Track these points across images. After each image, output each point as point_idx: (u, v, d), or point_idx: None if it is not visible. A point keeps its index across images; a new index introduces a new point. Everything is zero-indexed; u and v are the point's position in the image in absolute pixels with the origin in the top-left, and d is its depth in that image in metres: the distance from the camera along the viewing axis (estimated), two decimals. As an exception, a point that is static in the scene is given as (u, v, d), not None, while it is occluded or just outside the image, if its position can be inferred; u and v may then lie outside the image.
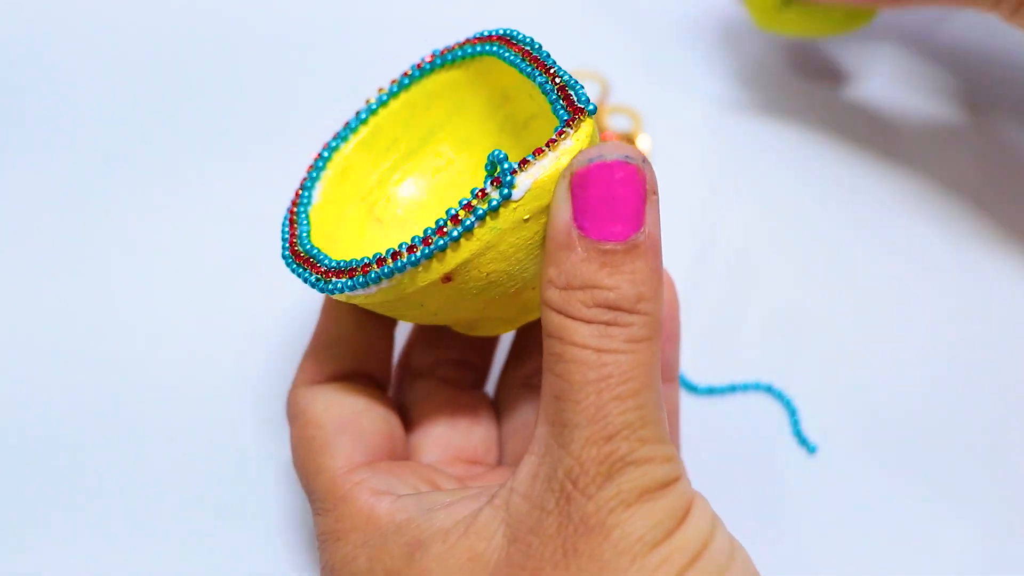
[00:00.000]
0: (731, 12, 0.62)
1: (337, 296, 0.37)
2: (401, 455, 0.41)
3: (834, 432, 0.48)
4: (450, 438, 0.42)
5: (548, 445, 0.33)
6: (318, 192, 0.41)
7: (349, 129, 0.42)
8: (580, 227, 0.33)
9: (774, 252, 0.54)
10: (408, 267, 0.35)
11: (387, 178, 0.43)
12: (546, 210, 0.35)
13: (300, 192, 0.41)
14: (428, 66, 0.42)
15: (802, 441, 0.48)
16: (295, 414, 0.40)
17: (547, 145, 0.35)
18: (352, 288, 0.36)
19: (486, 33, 0.40)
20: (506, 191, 0.34)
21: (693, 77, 0.60)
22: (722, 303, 0.52)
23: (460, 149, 0.44)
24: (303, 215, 0.40)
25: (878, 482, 0.47)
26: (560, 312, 0.33)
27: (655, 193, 0.34)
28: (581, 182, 0.33)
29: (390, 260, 0.35)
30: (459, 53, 0.41)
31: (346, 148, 0.42)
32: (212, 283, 0.53)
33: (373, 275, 0.36)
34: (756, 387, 0.50)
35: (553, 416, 0.33)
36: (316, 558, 0.44)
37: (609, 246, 0.33)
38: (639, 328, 0.33)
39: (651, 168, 0.34)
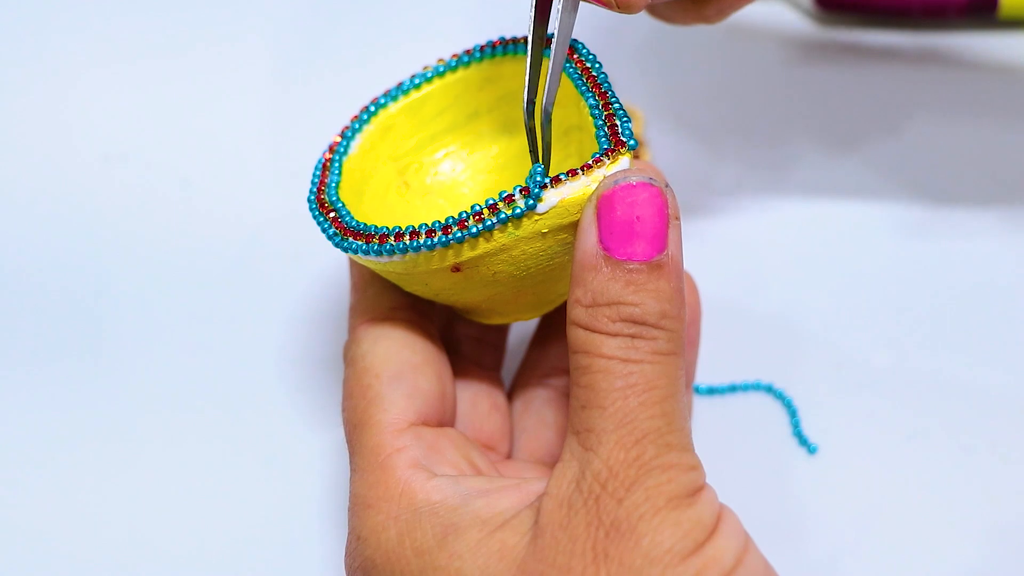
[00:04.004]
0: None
1: (349, 255, 0.39)
2: (450, 415, 0.41)
3: (834, 432, 0.48)
4: (471, 419, 0.42)
5: (574, 451, 0.34)
6: (356, 144, 0.42)
7: (400, 90, 0.43)
8: (606, 248, 0.34)
9: (774, 251, 0.54)
10: (423, 249, 0.36)
11: (424, 146, 0.44)
12: (566, 228, 0.36)
13: (339, 140, 0.42)
14: (491, 50, 0.42)
15: (802, 441, 0.48)
16: (355, 355, 0.40)
17: (582, 169, 0.36)
18: (366, 253, 0.37)
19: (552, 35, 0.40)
20: (532, 202, 0.35)
21: (694, 75, 0.60)
22: (722, 303, 0.52)
23: (499, 136, 0.44)
24: (337, 164, 0.41)
25: (878, 482, 0.47)
26: (586, 328, 0.34)
27: (677, 218, 0.35)
28: (607, 204, 0.34)
29: (407, 238, 0.36)
30: (524, 47, 0.41)
31: (393, 107, 0.43)
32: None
33: (388, 247, 0.37)
34: (756, 387, 0.50)
35: (579, 425, 0.34)
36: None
37: (634, 266, 0.34)
38: (663, 342, 0.34)
39: (673, 193, 0.35)
